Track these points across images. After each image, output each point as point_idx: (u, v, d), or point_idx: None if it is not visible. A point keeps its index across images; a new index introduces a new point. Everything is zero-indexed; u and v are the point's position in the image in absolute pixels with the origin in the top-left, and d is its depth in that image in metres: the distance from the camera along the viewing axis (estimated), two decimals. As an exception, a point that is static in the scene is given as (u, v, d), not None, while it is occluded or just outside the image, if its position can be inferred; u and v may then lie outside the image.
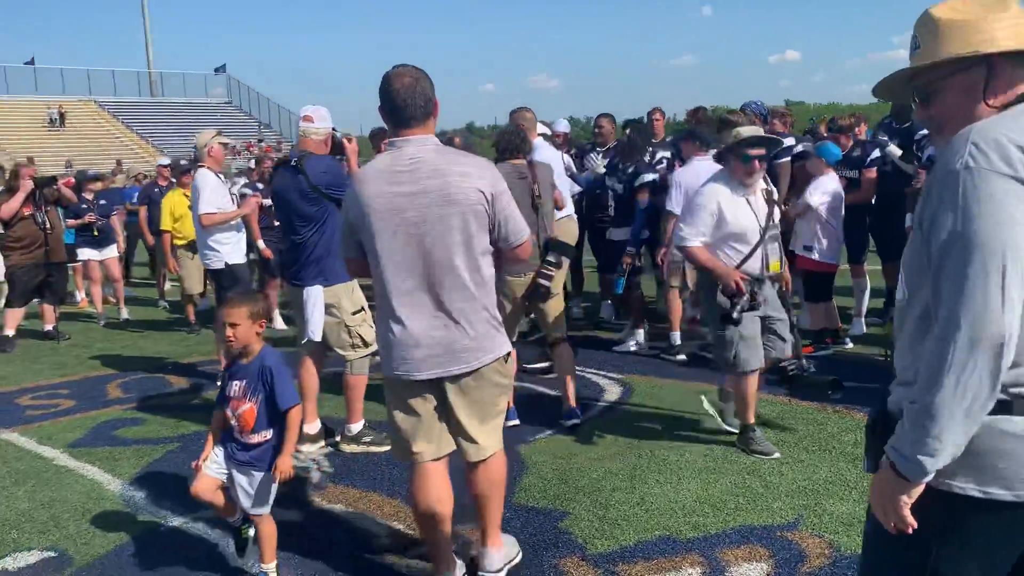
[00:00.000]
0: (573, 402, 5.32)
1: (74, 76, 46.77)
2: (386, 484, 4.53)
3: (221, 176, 6.63)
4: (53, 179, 9.13)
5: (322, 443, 5.12)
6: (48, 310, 9.14)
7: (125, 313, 10.16)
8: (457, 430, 3.24)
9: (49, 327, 9.12)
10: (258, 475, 3.49)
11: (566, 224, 6.23)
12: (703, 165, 6.42)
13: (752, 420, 4.78)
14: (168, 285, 11.45)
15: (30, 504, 4.48)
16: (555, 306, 5.30)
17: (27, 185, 8.61)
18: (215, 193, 6.39)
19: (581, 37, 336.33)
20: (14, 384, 7.21)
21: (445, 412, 3.20)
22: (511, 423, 5.11)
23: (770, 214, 4.65)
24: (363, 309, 4.97)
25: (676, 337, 6.89)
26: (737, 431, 4.89)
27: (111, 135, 43.24)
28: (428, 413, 3.19)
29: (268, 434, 3.46)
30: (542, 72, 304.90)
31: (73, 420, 6.00)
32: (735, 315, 4.46)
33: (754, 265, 4.61)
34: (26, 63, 46.14)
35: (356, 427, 5.05)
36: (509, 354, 3.26)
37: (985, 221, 1.56)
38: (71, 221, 10.08)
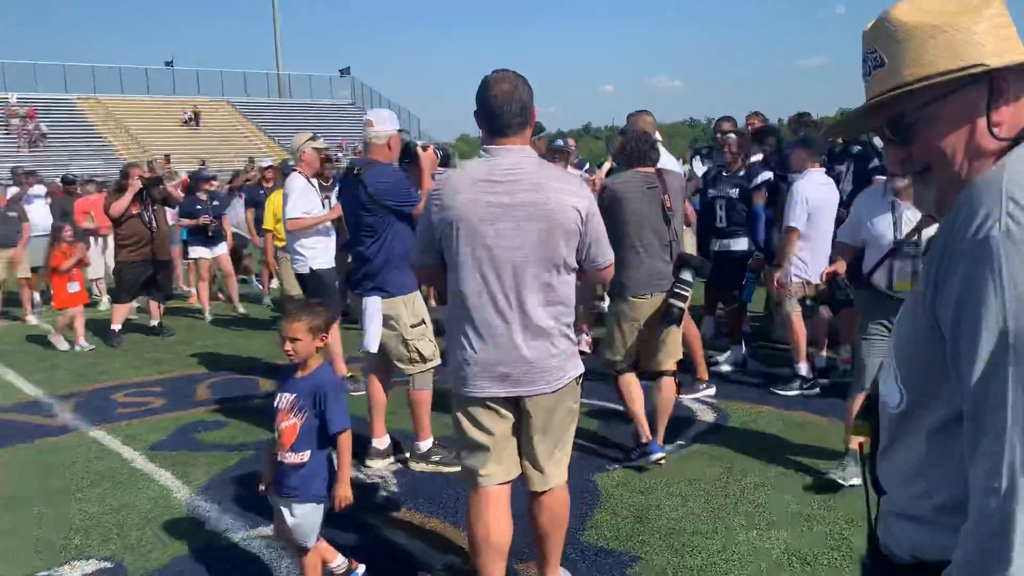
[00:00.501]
0: (660, 437, 4.86)
1: (209, 77, 49.02)
2: (451, 510, 4.29)
3: (313, 180, 6.56)
4: (159, 179, 9.36)
5: (391, 459, 4.94)
6: (154, 306, 9.40)
7: (241, 308, 10.39)
8: (527, 455, 3.09)
9: (154, 323, 9.37)
10: (298, 508, 3.30)
11: (687, 238, 5.88)
12: (820, 176, 5.98)
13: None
14: (274, 283, 11.64)
15: (100, 509, 4.47)
16: (675, 331, 4.82)
17: (135, 185, 8.85)
18: (303, 197, 6.32)
19: (704, 36, 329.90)
20: (113, 380, 7.38)
21: (518, 434, 3.07)
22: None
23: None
24: (423, 322, 4.77)
25: (802, 369, 6.20)
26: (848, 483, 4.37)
27: (241, 134, 45.02)
28: (501, 434, 3.05)
29: (305, 456, 3.26)
30: (662, 72, 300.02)
31: (159, 420, 6.05)
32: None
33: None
34: (166, 64, 48.62)
35: (425, 444, 4.84)
36: (581, 376, 3.13)
37: None
38: (185, 220, 10.37)
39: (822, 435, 5.22)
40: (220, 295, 11.36)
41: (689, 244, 5.73)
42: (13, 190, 11.88)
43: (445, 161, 4.82)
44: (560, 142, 8.54)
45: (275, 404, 3.37)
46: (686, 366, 5.92)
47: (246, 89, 49.55)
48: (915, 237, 4.20)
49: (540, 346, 2.94)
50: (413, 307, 4.75)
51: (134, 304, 9.43)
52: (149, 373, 7.58)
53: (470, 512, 3.12)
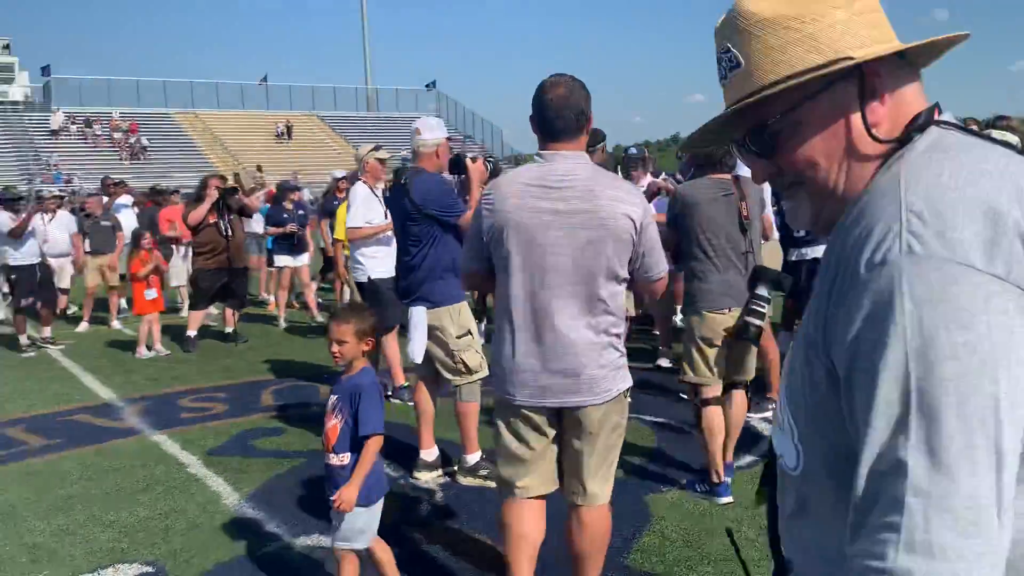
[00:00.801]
0: (729, 455, 4.53)
1: (301, 92, 50.47)
2: (494, 526, 4.17)
3: (377, 190, 6.57)
4: (235, 189, 9.56)
5: (439, 471, 4.85)
6: (229, 313, 9.59)
7: (319, 317, 10.47)
8: (569, 470, 3.02)
9: (228, 329, 9.56)
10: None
11: (772, 250, 5.52)
12: None
13: None
14: (347, 294, 11.76)
15: (149, 513, 4.52)
16: (751, 349, 4.49)
17: (212, 195, 9.05)
18: (364, 206, 6.34)
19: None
20: (183, 384, 7.54)
21: (560, 448, 3.01)
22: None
23: None
24: (469, 333, 4.67)
25: None
26: None
27: (331, 148, 46.13)
28: (540, 446, 2.98)
29: (346, 458, 3.26)
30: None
31: (220, 426, 6.12)
32: None
33: None
34: (260, 81, 50.22)
35: (472, 458, 4.75)
36: (629, 390, 3.02)
37: (963, 358, 0.85)
38: (272, 229, 10.62)
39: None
40: (295, 303, 11.55)
41: (771, 257, 5.33)
42: (103, 199, 12.33)
43: (495, 174, 4.72)
44: (634, 150, 8.34)
45: (326, 406, 3.40)
46: (758, 383, 5.65)
47: (335, 103, 50.83)
48: None
49: (585, 356, 2.85)
50: (459, 318, 4.67)
51: (211, 310, 9.65)
52: (218, 379, 7.71)
53: (503, 514, 3.08)
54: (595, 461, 2.97)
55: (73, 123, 42.84)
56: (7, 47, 54.14)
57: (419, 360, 4.64)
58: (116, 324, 10.85)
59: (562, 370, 2.86)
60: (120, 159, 40.88)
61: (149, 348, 8.93)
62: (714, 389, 4.45)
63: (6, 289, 10.44)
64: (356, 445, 3.26)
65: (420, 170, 4.69)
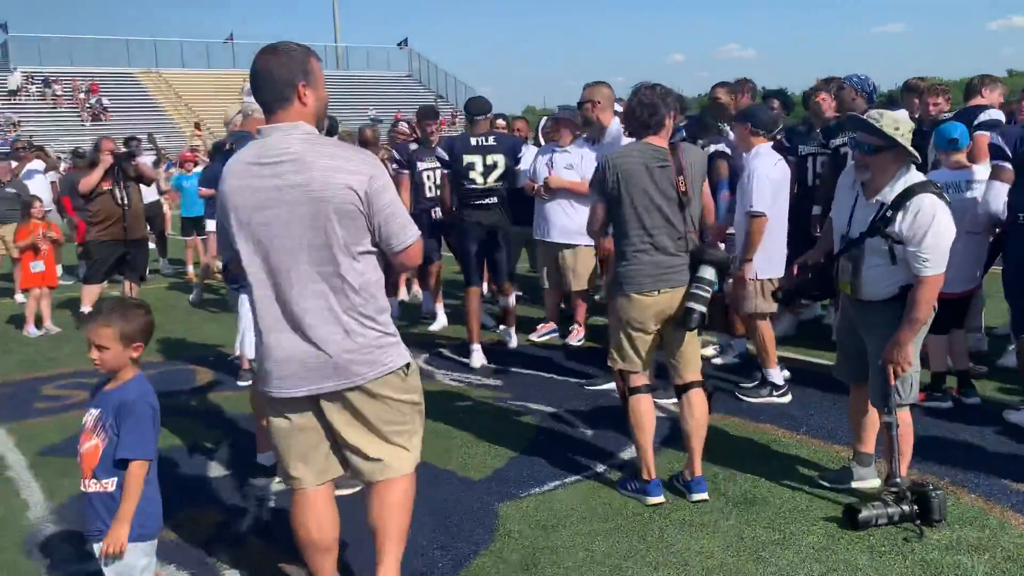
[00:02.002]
0: (696, 468, 4.03)
1: (267, 51, 49.06)
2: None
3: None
4: (131, 154, 8.91)
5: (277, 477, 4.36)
6: (127, 287, 8.97)
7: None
8: (348, 450, 2.90)
9: (129, 305, 8.95)
10: (99, 548, 2.81)
11: None
12: (772, 153, 5.17)
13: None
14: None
15: (-62, 527, 3.99)
16: (692, 337, 4.05)
17: (106, 160, 8.40)
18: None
19: (776, 3, 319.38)
20: (56, 368, 6.98)
21: (328, 433, 2.89)
22: None
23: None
24: None
25: (771, 375, 5.39)
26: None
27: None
28: (306, 434, 2.88)
29: (111, 484, 2.79)
30: (733, 41, 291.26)
31: (68, 418, 5.56)
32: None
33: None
34: (226, 40, 48.90)
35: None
36: (408, 365, 2.91)
37: None
38: (203, 190, 9.73)
39: (794, 454, 4.44)
40: (218, 275, 10.95)
41: None
42: (12, 164, 11.62)
43: (331, 132, 4.16)
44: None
45: (83, 423, 2.90)
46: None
47: (304, 62, 49.53)
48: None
49: (332, 339, 2.73)
50: None
51: (105, 285, 9.00)
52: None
53: (290, 515, 2.97)
54: (375, 436, 2.86)
55: (31, 83, 41.59)
56: (-39, 4, 52.31)
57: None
58: (20, 298, 10.22)
59: (307, 355, 2.74)
60: (81, 120, 39.78)
61: (39, 326, 8.35)
62: (641, 377, 4.00)
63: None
64: (125, 466, 2.78)
65: (248, 135, 4.13)
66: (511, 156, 6.47)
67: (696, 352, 4.10)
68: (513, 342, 7.00)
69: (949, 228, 3.47)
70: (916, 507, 3.57)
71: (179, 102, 43.32)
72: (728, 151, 5.99)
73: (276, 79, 2.69)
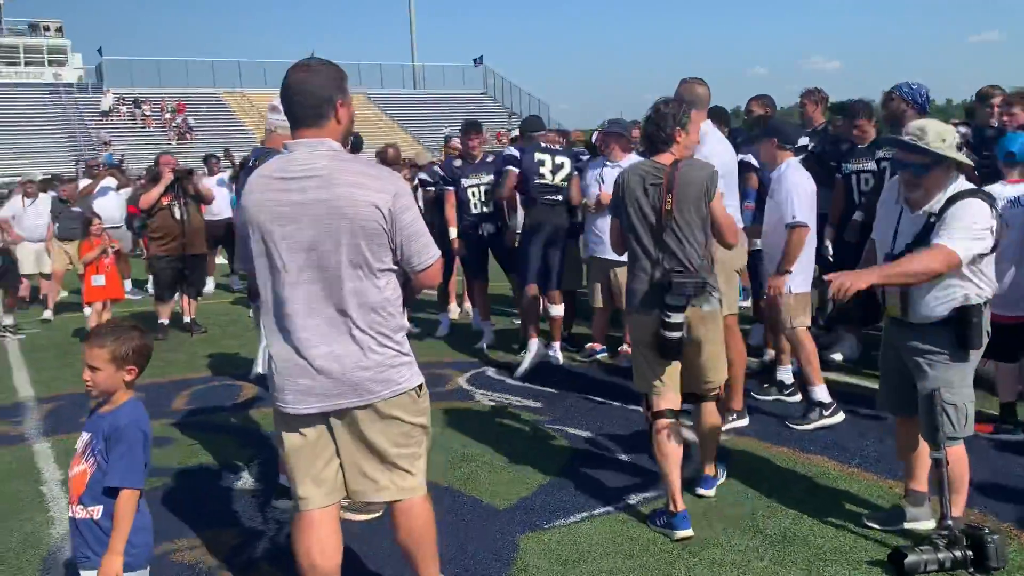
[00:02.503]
0: (709, 469, 4.15)
1: (347, 70, 49.75)
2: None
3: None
4: (191, 171, 9.07)
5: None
6: (186, 302, 9.11)
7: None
8: (358, 471, 2.81)
9: (187, 319, 9.09)
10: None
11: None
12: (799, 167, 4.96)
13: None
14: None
15: (-36, 542, 4.02)
16: (712, 353, 3.91)
17: (167, 177, 8.58)
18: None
19: (866, 13, 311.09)
20: (109, 382, 7.07)
21: (338, 452, 2.81)
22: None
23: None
24: None
25: (817, 392, 5.10)
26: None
27: (376, 125, 45.80)
28: (316, 452, 2.79)
29: (97, 511, 2.72)
30: (819, 53, 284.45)
31: (111, 433, 5.61)
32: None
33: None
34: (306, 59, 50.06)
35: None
36: (420, 386, 2.84)
37: None
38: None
39: (843, 488, 4.14)
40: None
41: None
42: (85, 182, 12.01)
43: (356, 148, 4.09)
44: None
45: (76, 445, 2.85)
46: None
47: (382, 81, 50.41)
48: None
49: (348, 356, 2.68)
50: None
51: (175, 300, 9.15)
52: (145, 376, 7.20)
53: (293, 539, 2.87)
54: (384, 457, 2.78)
55: (123, 104, 43.29)
56: (60, 30, 54.87)
57: None
58: (88, 311, 10.50)
59: (321, 371, 2.68)
60: (168, 139, 41.20)
61: (101, 339, 8.51)
62: (667, 399, 3.82)
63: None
64: (114, 494, 2.71)
65: (271, 151, 4.06)
66: (574, 160, 6.88)
67: (713, 364, 3.93)
68: (558, 356, 6.81)
69: (981, 211, 3.23)
70: (970, 552, 3.24)
71: (261, 121, 44.35)
72: (755, 162, 5.77)
73: (314, 95, 2.68)
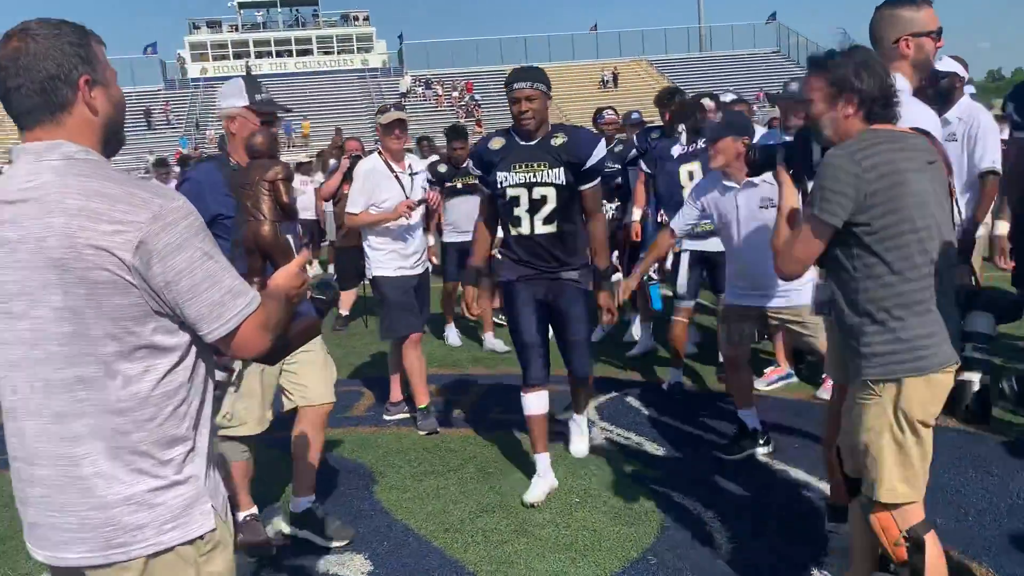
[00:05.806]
0: None
1: (630, 38, 49.40)
2: None
3: (395, 164, 5.30)
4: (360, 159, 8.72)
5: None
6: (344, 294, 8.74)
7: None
8: None
9: (344, 312, 8.75)
10: None
11: None
12: None
13: None
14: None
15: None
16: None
17: (344, 163, 8.32)
18: (366, 186, 5.23)
19: None
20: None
21: None
22: None
23: None
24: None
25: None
26: None
27: (656, 92, 44.67)
28: None
29: None
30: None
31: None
32: None
33: None
34: (591, 30, 50.00)
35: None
36: (202, 538, 1.78)
37: None
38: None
39: None
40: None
41: None
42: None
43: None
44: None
45: None
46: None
47: (666, 47, 49.00)
48: None
49: (72, 487, 1.71)
50: None
51: (356, 290, 8.88)
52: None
53: None
54: None
55: (419, 85, 46.00)
56: (367, 19, 59.50)
57: None
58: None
59: (48, 505, 1.74)
60: (457, 118, 43.13)
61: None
62: None
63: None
64: None
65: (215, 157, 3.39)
66: None
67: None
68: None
69: None
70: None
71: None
72: None
73: (35, 74, 1.70)
